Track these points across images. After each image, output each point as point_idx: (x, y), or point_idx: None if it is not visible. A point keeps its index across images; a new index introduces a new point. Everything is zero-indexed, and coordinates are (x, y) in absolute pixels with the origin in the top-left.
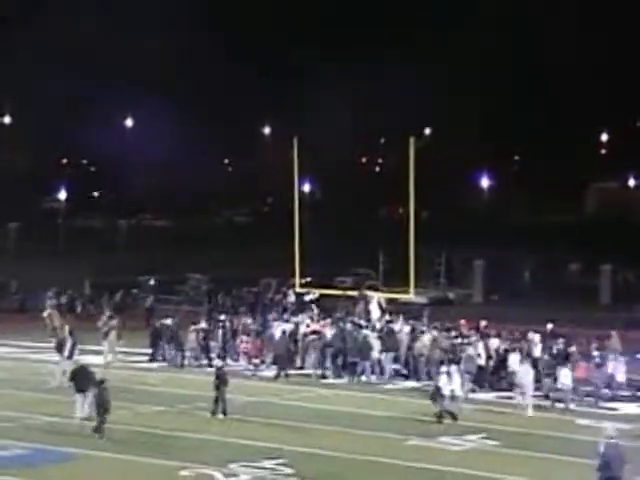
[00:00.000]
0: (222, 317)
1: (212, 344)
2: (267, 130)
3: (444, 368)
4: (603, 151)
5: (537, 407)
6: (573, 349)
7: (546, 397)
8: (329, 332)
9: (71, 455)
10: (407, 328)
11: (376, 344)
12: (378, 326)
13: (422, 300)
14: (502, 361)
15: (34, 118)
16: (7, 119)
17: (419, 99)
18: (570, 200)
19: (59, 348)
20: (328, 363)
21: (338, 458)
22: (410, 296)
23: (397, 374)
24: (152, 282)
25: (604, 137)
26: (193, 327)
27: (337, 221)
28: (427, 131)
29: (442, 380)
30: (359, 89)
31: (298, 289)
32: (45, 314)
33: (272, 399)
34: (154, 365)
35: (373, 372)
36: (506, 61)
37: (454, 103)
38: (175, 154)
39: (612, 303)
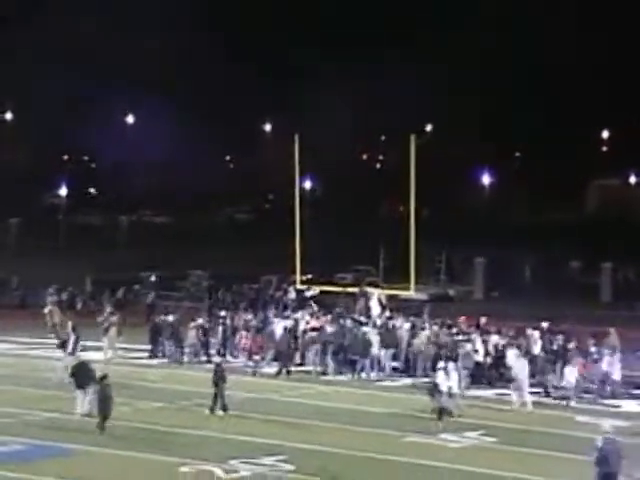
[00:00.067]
0: (222, 313)
1: (212, 340)
2: (268, 127)
3: (441, 364)
4: (604, 148)
5: (537, 404)
6: (572, 346)
7: (547, 393)
8: (329, 329)
9: (70, 451)
10: (407, 325)
11: (376, 341)
12: (378, 323)
13: (422, 297)
14: (500, 358)
15: (34, 118)
16: (8, 115)
17: (419, 98)
18: (571, 198)
19: (62, 345)
20: (328, 360)
21: (338, 454)
22: (410, 293)
23: (396, 371)
24: (153, 278)
25: (605, 134)
26: (193, 323)
27: (338, 218)
28: (428, 128)
29: (440, 376)
30: (359, 89)
31: (299, 286)
32: (46, 310)
33: (272, 396)
34: (154, 361)
35: (372, 369)
36: (506, 61)
37: (454, 102)
38: (175, 154)
39: (613, 301)
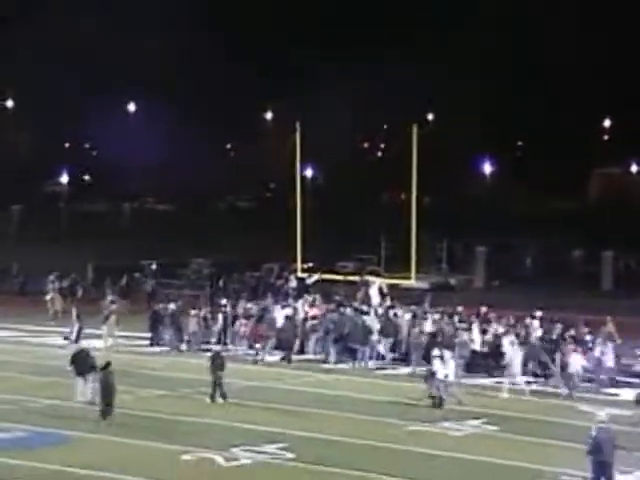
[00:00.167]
0: (223, 301)
1: (213, 329)
2: (269, 116)
3: (436, 352)
4: (605, 137)
5: (537, 392)
6: (570, 334)
7: (545, 382)
8: (330, 317)
9: (71, 438)
10: (408, 314)
11: (376, 329)
12: (380, 311)
13: (423, 285)
14: (498, 346)
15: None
16: (10, 103)
17: (419, 90)
18: (572, 187)
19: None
20: (329, 348)
21: (339, 443)
22: (411, 282)
23: (395, 361)
24: (154, 266)
25: (606, 123)
26: (194, 311)
27: (339, 207)
28: (430, 117)
29: (436, 364)
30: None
31: (300, 274)
32: (48, 297)
33: (273, 384)
34: (155, 349)
35: (371, 357)
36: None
37: (456, 90)
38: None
39: (613, 289)
